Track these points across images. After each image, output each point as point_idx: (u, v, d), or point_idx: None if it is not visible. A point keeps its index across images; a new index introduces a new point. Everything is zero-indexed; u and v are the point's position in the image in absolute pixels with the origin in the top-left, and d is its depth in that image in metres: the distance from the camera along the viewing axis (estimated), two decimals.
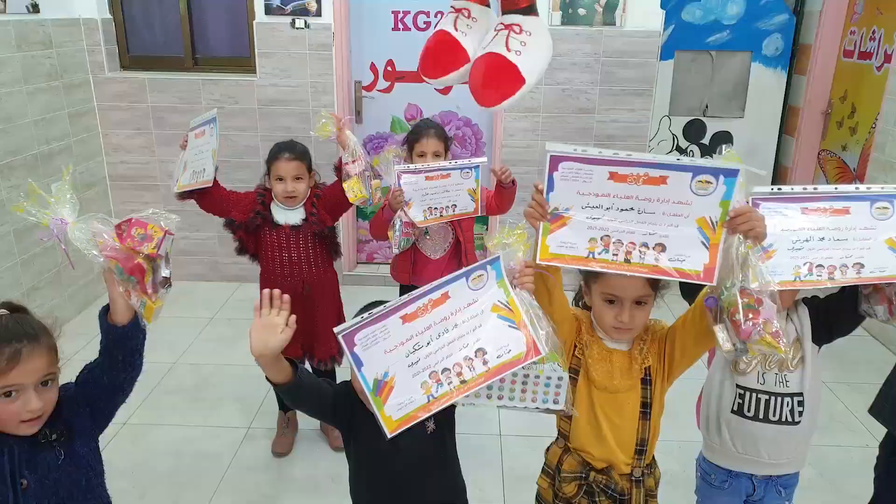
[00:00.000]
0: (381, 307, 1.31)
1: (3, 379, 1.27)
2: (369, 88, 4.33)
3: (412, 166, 2.48)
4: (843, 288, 1.67)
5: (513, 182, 2.55)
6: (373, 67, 4.28)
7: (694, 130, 5.03)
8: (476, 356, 1.31)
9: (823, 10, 4.71)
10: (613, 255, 1.41)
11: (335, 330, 1.31)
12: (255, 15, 4.00)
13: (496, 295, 1.35)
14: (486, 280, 1.35)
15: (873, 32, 4.35)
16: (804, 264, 1.49)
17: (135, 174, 4.30)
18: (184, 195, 2.60)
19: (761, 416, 1.74)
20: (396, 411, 1.30)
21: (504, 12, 2.01)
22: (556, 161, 1.39)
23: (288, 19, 3.98)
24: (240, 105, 4.14)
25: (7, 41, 3.37)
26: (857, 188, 1.54)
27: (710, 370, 1.88)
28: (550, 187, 1.40)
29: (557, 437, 1.64)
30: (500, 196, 2.59)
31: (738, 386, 1.76)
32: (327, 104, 4.07)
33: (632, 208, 1.39)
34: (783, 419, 1.74)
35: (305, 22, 3.97)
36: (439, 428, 1.54)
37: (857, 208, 1.51)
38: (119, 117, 4.19)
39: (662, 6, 4.01)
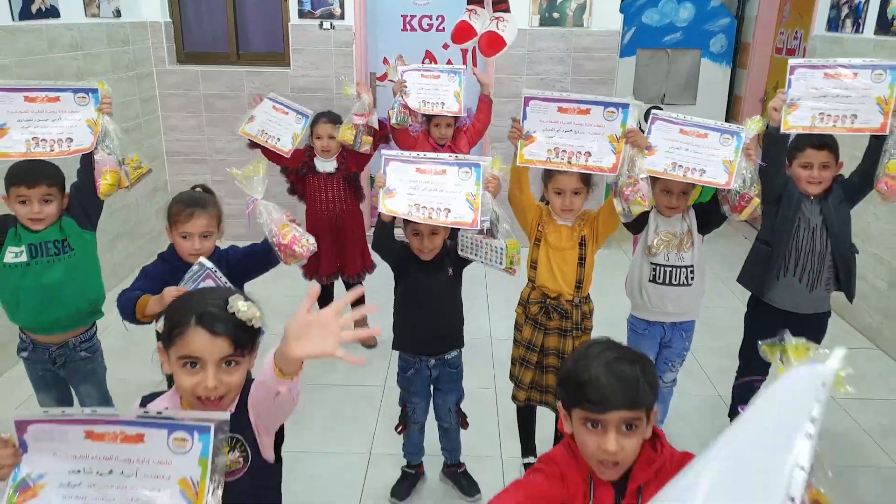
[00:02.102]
0: (420, 155, 2.26)
1: (182, 226, 2.19)
2: (382, 79, 5.23)
3: (413, 66, 3.58)
4: (713, 197, 2.57)
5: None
6: (385, 61, 5.19)
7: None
8: (443, 210, 2.20)
9: (759, 14, 5.66)
10: (561, 159, 2.32)
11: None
12: (289, 18, 4.90)
13: (470, 188, 2.22)
14: (469, 176, 2.24)
15: (796, 33, 5.30)
16: (671, 163, 2.38)
17: (187, 150, 5.19)
18: (252, 144, 3.44)
19: (668, 282, 2.64)
20: (389, 204, 2.21)
21: (494, 11, 3.49)
22: (527, 100, 2.31)
23: (316, 21, 4.89)
24: (276, 93, 5.01)
25: (101, 39, 4.27)
26: (715, 123, 2.43)
27: (633, 257, 2.78)
28: (524, 117, 2.32)
29: (528, 282, 2.55)
30: (482, 111, 3.65)
31: (652, 263, 2.66)
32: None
33: (571, 129, 2.30)
34: (682, 283, 2.64)
35: (331, 24, 4.88)
36: (455, 275, 2.45)
37: (712, 135, 2.41)
38: (176, 103, 5.08)
39: (623, 11, 4.94)
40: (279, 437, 1.55)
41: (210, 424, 1.12)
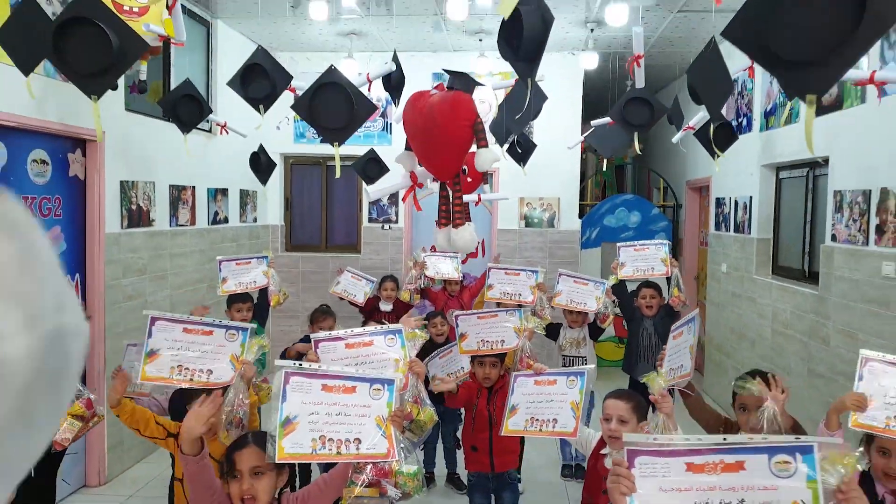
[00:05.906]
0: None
1: (319, 324, 4.40)
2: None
3: (430, 253, 5.76)
4: (595, 317, 4.70)
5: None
6: (423, 250, 7.63)
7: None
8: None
9: (686, 219, 8.05)
10: (487, 347, 4.50)
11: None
12: (362, 222, 7.47)
13: (398, 353, 4.43)
14: (395, 346, 4.44)
15: (707, 232, 7.62)
16: (568, 300, 4.55)
17: (287, 308, 7.51)
18: (340, 298, 5.76)
19: (570, 366, 4.69)
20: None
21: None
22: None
23: (379, 225, 7.44)
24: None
25: (246, 235, 6.86)
26: (593, 278, 4.64)
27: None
28: (457, 326, 4.56)
29: None
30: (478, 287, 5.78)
31: (562, 355, 4.74)
32: (399, 268, 7.35)
33: (490, 327, 4.53)
34: (578, 366, 4.69)
35: (389, 226, 7.42)
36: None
37: (591, 284, 4.61)
38: (283, 276, 7.51)
39: (590, 216, 7.37)
40: None
41: None
